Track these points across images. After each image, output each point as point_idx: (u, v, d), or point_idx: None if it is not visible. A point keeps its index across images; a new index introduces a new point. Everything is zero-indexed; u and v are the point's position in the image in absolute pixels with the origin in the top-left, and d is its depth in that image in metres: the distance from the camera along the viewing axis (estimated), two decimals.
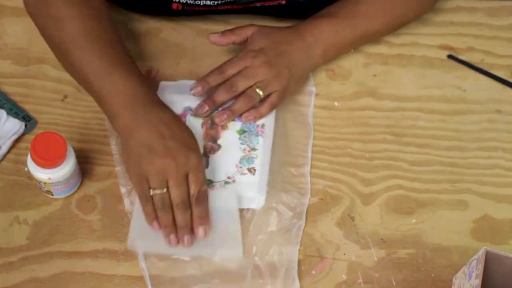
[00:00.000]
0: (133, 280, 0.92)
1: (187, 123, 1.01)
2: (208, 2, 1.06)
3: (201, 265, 0.94)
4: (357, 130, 1.05)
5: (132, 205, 0.96)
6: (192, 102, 1.03)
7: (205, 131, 1.01)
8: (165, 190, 0.90)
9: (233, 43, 1.04)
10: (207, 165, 0.99)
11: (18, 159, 1.00)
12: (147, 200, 0.91)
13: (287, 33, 1.03)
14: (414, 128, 1.06)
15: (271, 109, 1.01)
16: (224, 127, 1.02)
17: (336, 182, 1.01)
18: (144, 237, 0.93)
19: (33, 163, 0.92)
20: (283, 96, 1.01)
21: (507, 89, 1.10)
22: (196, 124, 1.01)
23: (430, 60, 1.12)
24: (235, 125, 1.02)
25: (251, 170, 0.99)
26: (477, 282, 0.82)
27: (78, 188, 0.98)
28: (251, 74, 0.99)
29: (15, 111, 1.03)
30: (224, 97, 0.99)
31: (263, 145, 1.01)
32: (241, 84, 0.99)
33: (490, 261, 0.85)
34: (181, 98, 1.03)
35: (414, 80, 1.10)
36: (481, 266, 0.82)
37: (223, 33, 1.04)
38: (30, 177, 0.96)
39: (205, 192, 0.92)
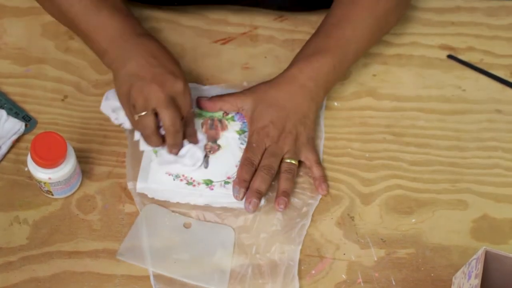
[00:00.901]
0: (133, 280, 0.92)
1: None
2: None
3: (201, 265, 0.94)
4: (357, 130, 1.05)
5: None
6: (192, 102, 1.03)
7: (205, 131, 1.01)
8: (145, 113, 0.93)
9: (221, 109, 1.02)
10: (207, 165, 0.99)
11: (18, 159, 1.00)
12: (131, 119, 0.96)
13: (285, 87, 1.00)
14: (414, 128, 1.06)
15: (321, 166, 1.00)
16: (223, 127, 1.02)
17: (336, 182, 1.01)
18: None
19: (33, 163, 0.92)
20: (314, 147, 1.01)
21: (507, 89, 1.10)
22: (196, 124, 1.01)
23: (430, 60, 1.12)
24: (235, 125, 1.02)
25: None
26: (477, 281, 0.82)
27: (78, 188, 0.98)
28: (276, 151, 0.98)
29: (15, 111, 1.03)
30: (267, 183, 0.97)
31: None
32: (275, 165, 0.97)
33: (489, 260, 0.85)
34: None
35: (414, 80, 1.10)
36: (480, 266, 0.82)
37: (211, 98, 1.01)
38: (30, 177, 0.96)
39: (192, 114, 0.97)
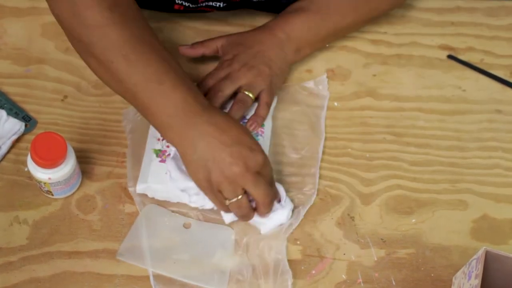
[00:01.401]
0: (133, 280, 0.92)
1: None
2: (210, 3, 1.06)
3: (201, 265, 0.94)
4: (357, 130, 1.05)
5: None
6: None
7: None
8: (240, 197, 0.90)
9: (203, 54, 1.05)
10: None
11: (18, 159, 1.00)
12: (221, 204, 0.92)
13: (258, 34, 1.04)
14: (414, 128, 1.06)
15: (268, 109, 1.01)
16: None
17: (336, 182, 1.01)
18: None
19: (33, 163, 0.92)
20: (272, 92, 1.02)
21: (507, 89, 1.10)
22: None
23: (430, 60, 1.12)
24: None
25: None
26: (477, 282, 0.82)
27: (78, 188, 0.98)
28: (234, 77, 1.00)
29: (15, 111, 1.03)
30: (213, 103, 0.96)
31: (262, 145, 1.01)
32: (227, 88, 0.99)
33: (489, 261, 0.85)
34: None
35: (413, 80, 1.10)
36: (480, 266, 0.82)
37: (192, 45, 1.05)
38: (30, 177, 0.96)
39: (275, 190, 0.94)
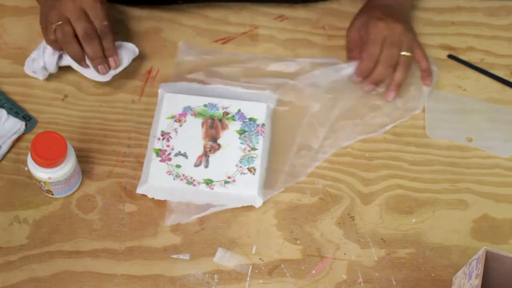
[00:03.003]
0: (133, 280, 0.92)
1: (187, 122, 1.01)
2: None
3: (201, 265, 0.94)
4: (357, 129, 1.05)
5: None
6: (192, 102, 1.03)
7: (205, 130, 1.01)
8: (63, 22, 0.99)
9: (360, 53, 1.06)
10: (207, 165, 0.99)
11: (18, 158, 1.00)
12: (48, 33, 1.00)
13: (378, 2, 1.08)
14: (414, 128, 1.06)
15: (428, 59, 1.07)
16: (224, 127, 1.02)
17: (336, 181, 1.01)
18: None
19: (33, 162, 0.92)
20: (420, 44, 1.08)
21: (507, 89, 1.10)
22: (196, 124, 1.01)
23: (430, 60, 1.12)
24: (235, 125, 1.02)
25: (251, 170, 0.99)
26: (477, 282, 0.82)
27: (78, 187, 0.98)
28: (395, 42, 1.03)
29: (15, 110, 1.03)
30: (387, 73, 1.04)
31: (262, 144, 1.01)
32: (395, 54, 1.03)
33: (490, 260, 0.85)
34: (182, 98, 1.03)
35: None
36: (481, 266, 0.82)
37: (359, 73, 1.06)
38: (30, 176, 0.96)
39: (107, 27, 1.00)
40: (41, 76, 1.04)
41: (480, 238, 0.98)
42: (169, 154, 0.99)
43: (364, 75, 1.05)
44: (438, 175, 1.02)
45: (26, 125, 1.02)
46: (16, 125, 1.00)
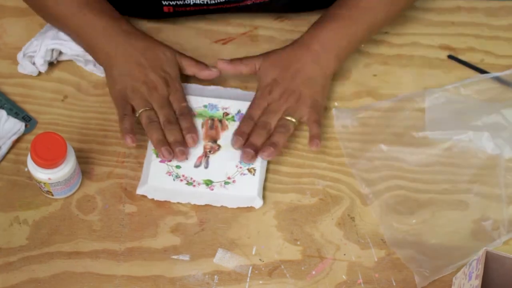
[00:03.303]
0: (133, 281, 0.92)
1: None
2: (198, 1, 1.05)
3: (201, 266, 0.94)
4: (357, 130, 1.05)
5: None
6: (192, 102, 1.03)
7: (205, 131, 1.01)
8: (149, 108, 0.99)
9: (241, 73, 1.04)
10: (207, 165, 0.99)
11: (18, 159, 1.00)
12: (123, 117, 0.98)
13: (293, 50, 1.03)
14: (414, 128, 1.06)
15: (318, 126, 1.01)
16: (224, 127, 1.02)
17: (336, 182, 1.01)
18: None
19: (33, 163, 0.92)
20: (318, 110, 1.02)
21: (507, 89, 1.10)
22: (196, 124, 1.01)
23: (430, 60, 1.12)
24: (235, 126, 1.02)
25: (251, 170, 0.99)
26: (477, 282, 0.82)
27: (78, 188, 0.98)
28: (276, 108, 1.01)
29: (15, 111, 1.03)
30: (262, 139, 1.00)
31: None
32: (272, 121, 1.00)
33: (490, 261, 0.85)
34: None
35: (414, 80, 1.10)
36: (481, 267, 0.82)
37: (231, 61, 1.04)
38: (30, 177, 0.96)
39: (186, 108, 1.01)
40: (34, 72, 1.05)
41: (481, 238, 0.98)
42: None
43: (243, 137, 1.00)
44: (438, 175, 1.02)
45: (26, 125, 1.01)
46: (16, 126, 1.00)
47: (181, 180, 0.98)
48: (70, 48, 1.04)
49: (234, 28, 1.12)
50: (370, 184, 1.00)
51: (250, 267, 0.94)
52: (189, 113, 1.01)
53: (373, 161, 1.02)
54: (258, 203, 0.97)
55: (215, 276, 0.93)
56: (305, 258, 0.95)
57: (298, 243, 0.96)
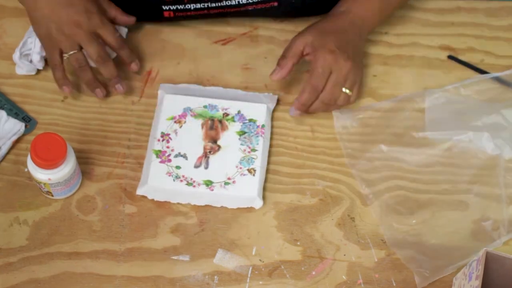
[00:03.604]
0: (133, 281, 0.92)
1: (187, 123, 1.01)
2: (199, 5, 1.05)
3: (201, 266, 0.94)
4: (358, 130, 1.05)
5: None
6: (192, 103, 1.03)
7: (205, 131, 1.01)
8: (76, 50, 0.99)
9: (293, 66, 1.02)
10: (207, 166, 0.99)
11: (18, 159, 1.00)
12: (55, 66, 1.00)
13: (338, 21, 1.03)
14: (414, 129, 1.05)
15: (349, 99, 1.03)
16: (224, 128, 1.02)
17: (336, 182, 1.01)
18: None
19: (33, 164, 0.92)
20: (360, 83, 1.04)
21: (507, 89, 1.10)
22: (196, 125, 1.01)
23: (430, 61, 1.12)
24: (235, 126, 1.02)
25: (251, 171, 0.99)
26: (477, 283, 0.82)
27: (78, 188, 0.98)
28: (341, 81, 1.00)
29: (15, 111, 1.03)
30: (325, 110, 1.03)
31: (262, 146, 1.01)
32: (337, 96, 1.01)
33: (490, 262, 0.85)
34: (181, 99, 1.03)
35: (414, 81, 1.10)
36: (481, 267, 0.82)
37: (279, 65, 1.01)
38: (30, 177, 0.96)
39: (120, 38, 1.02)
40: (32, 71, 1.06)
41: (481, 239, 0.98)
42: (169, 155, 0.99)
43: (305, 109, 1.02)
44: (438, 176, 1.02)
45: (26, 126, 1.01)
46: (16, 126, 1.00)
47: (181, 181, 0.98)
48: None
49: (234, 29, 1.12)
50: (370, 185, 1.00)
51: (250, 268, 0.94)
52: (124, 42, 1.03)
53: (373, 161, 1.02)
54: (258, 203, 0.98)
55: (215, 277, 0.93)
56: (305, 259, 0.95)
57: (298, 243, 0.96)
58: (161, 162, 0.99)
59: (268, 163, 1.01)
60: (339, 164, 1.02)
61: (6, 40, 1.09)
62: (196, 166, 0.99)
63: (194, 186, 0.98)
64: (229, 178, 0.98)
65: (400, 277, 0.95)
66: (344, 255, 0.96)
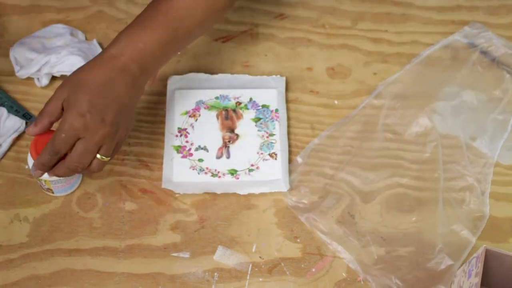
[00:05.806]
0: (133, 278, 0.93)
1: (202, 116, 1.03)
2: None
3: (201, 263, 0.94)
4: (357, 128, 1.05)
5: None
6: (203, 95, 1.04)
7: (221, 122, 1.02)
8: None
9: (51, 124, 0.89)
10: (228, 156, 0.99)
11: (19, 157, 1.00)
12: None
13: (105, 72, 0.87)
14: (414, 126, 1.06)
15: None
16: (238, 116, 1.02)
17: (336, 180, 1.01)
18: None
19: (33, 161, 0.92)
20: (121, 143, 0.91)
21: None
22: (211, 117, 1.03)
23: (431, 59, 1.12)
24: (250, 113, 1.03)
25: (273, 155, 1.00)
26: (477, 280, 0.82)
27: (79, 186, 0.98)
28: (91, 148, 0.87)
29: (16, 108, 1.03)
30: (70, 175, 0.91)
31: (279, 129, 1.01)
32: (86, 162, 0.88)
33: (489, 259, 0.85)
34: (192, 93, 1.04)
35: (414, 79, 1.10)
36: (480, 264, 0.82)
37: (35, 121, 0.88)
38: (30, 175, 0.96)
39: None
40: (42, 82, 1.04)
41: (480, 236, 0.98)
42: (190, 149, 1.00)
43: (46, 170, 0.89)
44: (439, 173, 1.02)
45: (26, 123, 1.02)
46: (16, 124, 1.01)
47: (206, 173, 0.99)
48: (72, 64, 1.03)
49: (235, 26, 1.13)
50: (370, 182, 1.00)
51: (250, 265, 0.94)
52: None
53: (372, 159, 1.02)
54: (284, 186, 0.98)
55: (215, 274, 0.93)
56: (305, 256, 0.95)
57: (298, 240, 0.96)
58: (182, 157, 0.99)
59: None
60: (339, 161, 1.02)
61: (7, 38, 1.09)
62: (218, 157, 1.00)
63: (219, 176, 0.98)
64: (252, 165, 0.99)
65: (400, 274, 0.95)
66: (344, 252, 0.96)
